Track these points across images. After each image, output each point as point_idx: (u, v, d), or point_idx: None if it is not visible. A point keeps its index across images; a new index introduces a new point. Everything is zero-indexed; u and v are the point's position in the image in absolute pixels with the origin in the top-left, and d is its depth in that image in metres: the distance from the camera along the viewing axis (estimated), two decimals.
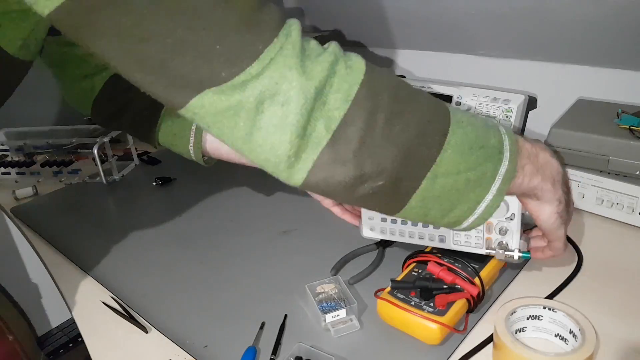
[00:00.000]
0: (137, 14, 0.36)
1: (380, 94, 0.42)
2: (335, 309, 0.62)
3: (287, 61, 0.39)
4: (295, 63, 0.39)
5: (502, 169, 0.47)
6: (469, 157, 0.45)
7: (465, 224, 0.49)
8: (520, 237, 0.60)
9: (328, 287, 0.66)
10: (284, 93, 0.39)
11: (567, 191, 0.54)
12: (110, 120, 0.78)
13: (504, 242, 0.60)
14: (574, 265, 0.69)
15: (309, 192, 0.60)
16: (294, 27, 0.40)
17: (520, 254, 0.60)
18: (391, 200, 0.46)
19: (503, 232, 0.60)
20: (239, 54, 0.38)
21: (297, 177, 0.42)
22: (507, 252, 0.60)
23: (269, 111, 0.39)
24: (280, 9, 0.41)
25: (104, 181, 1.04)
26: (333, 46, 0.42)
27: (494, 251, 0.61)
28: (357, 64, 0.42)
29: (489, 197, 0.47)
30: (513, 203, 0.59)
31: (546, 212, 0.53)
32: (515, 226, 0.60)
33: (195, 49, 0.37)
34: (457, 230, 0.51)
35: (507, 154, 0.47)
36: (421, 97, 0.45)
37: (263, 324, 0.63)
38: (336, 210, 0.73)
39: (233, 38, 0.38)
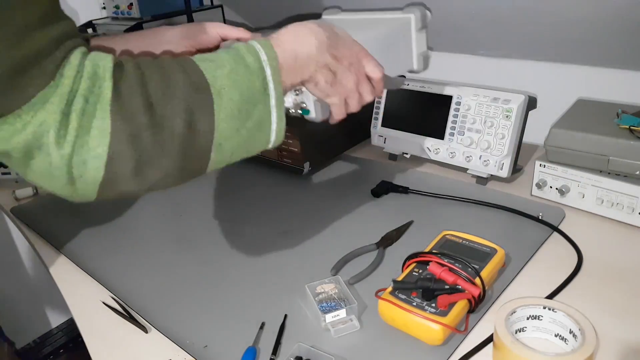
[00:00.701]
0: None
1: (135, 115, 0.44)
2: (335, 309, 0.62)
3: (50, 115, 0.41)
4: (56, 119, 0.41)
5: (272, 101, 0.53)
6: (240, 115, 0.51)
7: (270, 145, 0.56)
8: (316, 101, 0.67)
9: (328, 287, 0.66)
10: (46, 146, 0.42)
11: (334, 67, 0.60)
12: None
13: (302, 101, 0.68)
14: (574, 265, 0.69)
15: None
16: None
17: (300, 111, 0.68)
18: (190, 177, 0.51)
19: (299, 91, 0.66)
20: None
21: (88, 199, 0.47)
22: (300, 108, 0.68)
23: (37, 159, 0.42)
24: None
25: None
26: (85, 83, 0.43)
27: (292, 109, 0.68)
28: (103, 95, 0.43)
29: (273, 126, 0.54)
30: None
31: (311, 87, 0.61)
32: (306, 94, 0.66)
33: None
34: (268, 148, 0.57)
35: (271, 86, 0.53)
36: (177, 91, 0.47)
37: (263, 324, 0.63)
38: None
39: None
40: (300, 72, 0.57)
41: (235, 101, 0.50)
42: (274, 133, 0.55)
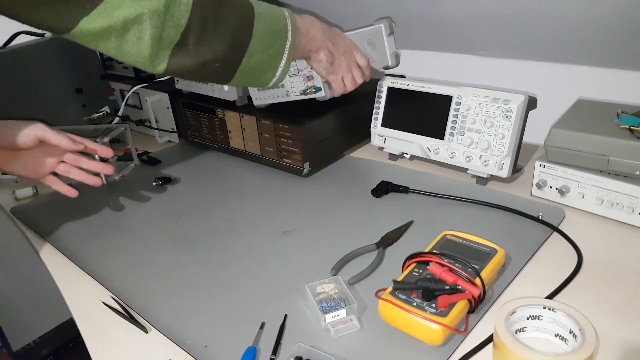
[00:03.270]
0: None
1: (207, 3, 0.59)
2: (335, 309, 0.62)
3: None
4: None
5: (288, 44, 0.69)
6: (268, 39, 0.66)
7: (271, 83, 0.72)
8: (323, 81, 0.89)
9: (328, 287, 0.66)
10: (142, 16, 0.54)
11: (333, 50, 0.78)
12: None
13: (313, 85, 0.92)
14: (574, 265, 0.69)
15: None
16: None
17: (313, 90, 0.92)
18: (224, 74, 0.66)
19: (311, 78, 0.92)
20: None
21: (159, 68, 0.60)
22: (315, 89, 0.91)
23: (132, 29, 0.55)
24: None
25: (104, 181, 1.04)
26: None
27: (308, 90, 0.93)
28: None
29: (282, 63, 0.70)
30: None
31: (316, 64, 0.79)
32: (317, 78, 0.91)
33: None
34: (266, 87, 0.77)
35: (290, 34, 0.69)
36: (234, 2, 0.63)
37: (263, 324, 0.63)
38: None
39: None
40: (309, 42, 0.74)
41: (266, 26, 0.65)
42: (280, 69, 0.70)
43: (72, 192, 0.81)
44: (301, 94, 0.95)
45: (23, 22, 0.53)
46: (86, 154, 0.83)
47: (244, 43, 0.64)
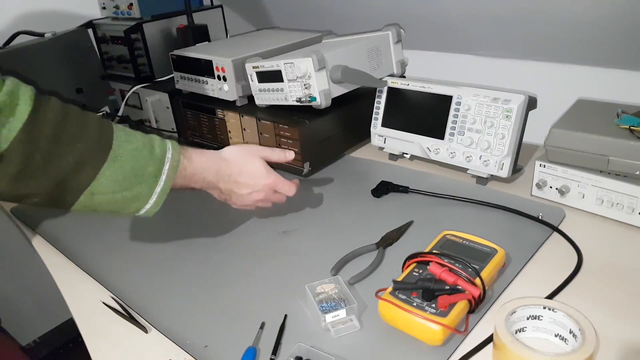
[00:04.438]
0: None
1: (37, 138, 0.54)
2: (335, 309, 0.62)
3: None
4: None
5: (158, 188, 0.63)
6: (123, 183, 0.60)
7: (140, 213, 0.65)
8: (321, 91, 0.92)
9: (328, 287, 0.66)
10: None
11: (226, 192, 0.74)
12: None
13: (310, 93, 0.93)
14: (574, 265, 0.69)
15: None
16: None
17: (309, 99, 0.93)
18: (56, 205, 0.60)
19: (308, 87, 0.92)
20: None
21: None
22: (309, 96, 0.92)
23: None
24: None
25: None
26: (3, 97, 0.52)
27: (303, 98, 0.93)
28: (20, 112, 0.53)
29: (147, 206, 0.64)
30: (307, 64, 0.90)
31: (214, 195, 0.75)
32: (313, 81, 0.92)
33: None
34: (138, 214, 0.66)
35: (163, 177, 0.63)
36: (87, 136, 0.58)
37: (263, 324, 0.63)
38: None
39: None
40: (192, 182, 0.69)
41: (123, 170, 0.60)
42: (145, 210, 0.64)
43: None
44: (297, 101, 0.95)
45: None
46: None
47: (81, 184, 0.58)
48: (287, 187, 0.77)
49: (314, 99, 0.92)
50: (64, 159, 0.56)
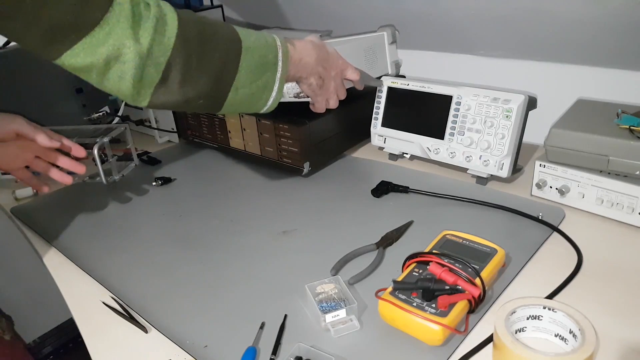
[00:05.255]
0: None
1: (191, 40, 0.59)
2: (335, 309, 0.62)
3: (124, 32, 0.53)
4: (129, 34, 0.54)
5: (278, 75, 0.69)
6: (256, 72, 0.66)
7: (264, 109, 0.72)
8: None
9: (328, 287, 0.66)
10: (124, 56, 0.54)
11: (323, 75, 0.77)
12: None
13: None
14: (574, 265, 0.69)
15: None
16: None
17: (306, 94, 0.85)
18: (212, 107, 0.66)
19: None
20: (81, 22, 0.51)
21: (142, 104, 0.60)
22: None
23: (114, 68, 0.55)
24: None
25: (104, 181, 1.04)
26: (154, 9, 0.56)
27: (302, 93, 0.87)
28: (171, 20, 0.57)
29: (273, 93, 0.70)
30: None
31: (305, 87, 0.78)
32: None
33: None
34: (260, 112, 0.73)
35: (280, 64, 0.69)
36: (221, 32, 0.63)
37: (263, 324, 0.63)
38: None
39: (74, 8, 0.50)
40: (300, 70, 0.73)
41: (254, 60, 0.65)
42: (272, 99, 0.70)
43: (43, 188, 0.84)
44: (294, 97, 0.95)
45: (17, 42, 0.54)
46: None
47: (230, 79, 0.64)
48: (352, 70, 0.83)
49: None
50: (213, 56, 0.61)
